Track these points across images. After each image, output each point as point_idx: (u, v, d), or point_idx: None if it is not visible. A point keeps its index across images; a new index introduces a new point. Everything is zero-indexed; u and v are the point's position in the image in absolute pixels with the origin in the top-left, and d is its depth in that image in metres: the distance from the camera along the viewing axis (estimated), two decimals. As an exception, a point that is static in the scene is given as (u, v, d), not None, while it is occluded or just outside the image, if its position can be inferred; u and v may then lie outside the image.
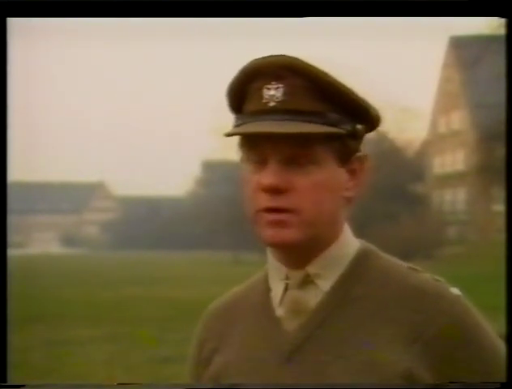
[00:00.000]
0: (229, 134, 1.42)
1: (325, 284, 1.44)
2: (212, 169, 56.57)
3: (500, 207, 35.70)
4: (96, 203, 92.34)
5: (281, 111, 1.38)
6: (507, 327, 1.44)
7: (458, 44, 38.71)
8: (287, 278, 1.46)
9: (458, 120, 44.84)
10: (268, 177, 1.38)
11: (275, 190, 1.38)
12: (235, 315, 1.54)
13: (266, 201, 1.39)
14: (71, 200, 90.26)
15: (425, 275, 1.46)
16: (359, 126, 1.43)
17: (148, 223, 68.54)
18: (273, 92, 1.39)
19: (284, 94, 1.38)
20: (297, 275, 1.44)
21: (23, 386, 1.35)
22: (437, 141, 47.11)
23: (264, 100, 1.39)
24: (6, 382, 1.37)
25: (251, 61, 1.42)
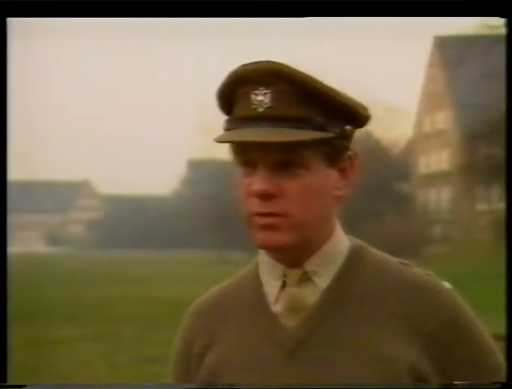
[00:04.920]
0: (220, 141, 1.43)
1: (322, 282, 1.46)
2: (197, 168, 56.55)
3: (484, 207, 35.89)
4: (80, 202, 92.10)
5: (269, 117, 1.39)
6: (507, 326, 1.46)
7: (443, 44, 38.81)
8: (284, 276, 1.47)
9: (442, 119, 44.99)
10: (258, 183, 1.40)
11: (265, 196, 1.39)
12: (225, 311, 1.54)
13: (257, 206, 1.40)
14: (56, 199, 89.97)
15: (417, 269, 1.49)
16: (348, 127, 1.45)
17: (133, 222, 68.43)
18: (261, 98, 1.40)
19: (272, 100, 1.40)
20: (295, 272, 1.46)
21: (24, 386, 1.35)
22: (422, 140, 47.26)
23: (253, 106, 1.41)
24: (6, 382, 1.37)
25: (239, 67, 1.43)
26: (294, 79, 1.39)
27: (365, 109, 1.47)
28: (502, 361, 1.45)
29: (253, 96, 1.41)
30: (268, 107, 1.39)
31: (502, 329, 1.54)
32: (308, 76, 1.40)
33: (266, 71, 1.40)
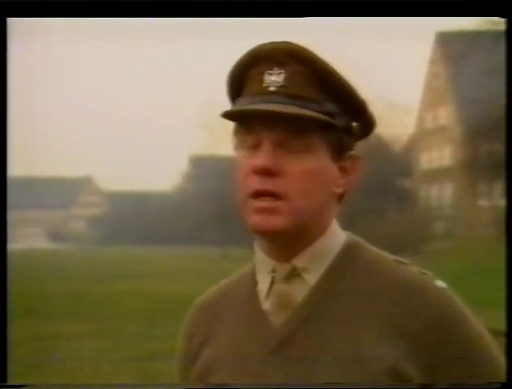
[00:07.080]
0: (225, 114, 1.42)
1: (311, 278, 1.44)
2: (200, 165, 56.51)
3: (486, 203, 35.86)
4: (83, 198, 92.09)
5: (280, 95, 1.39)
6: (507, 325, 1.45)
7: (445, 41, 38.81)
8: (273, 271, 1.45)
9: (444, 116, 44.96)
10: (261, 158, 1.38)
11: (266, 172, 1.38)
12: (222, 309, 1.54)
13: (256, 183, 1.39)
14: (59, 195, 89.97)
15: (412, 268, 1.45)
16: (354, 123, 1.44)
17: (136, 218, 68.48)
18: (274, 78, 1.40)
19: (285, 80, 1.39)
20: (284, 268, 1.44)
21: (23, 386, 1.35)
22: (424, 136, 47.23)
23: (264, 85, 1.40)
24: (6, 382, 1.37)
25: (254, 47, 1.43)
26: (309, 61, 1.40)
27: (371, 111, 1.47)
28: (502, 363, 1.41)
29: (266, 76, 1.41)
30: (280, 86, 1.39)
31: (503, 325, 1.51)
32: (322, 60, 1.41)
33: (281, 51, 1.40)
